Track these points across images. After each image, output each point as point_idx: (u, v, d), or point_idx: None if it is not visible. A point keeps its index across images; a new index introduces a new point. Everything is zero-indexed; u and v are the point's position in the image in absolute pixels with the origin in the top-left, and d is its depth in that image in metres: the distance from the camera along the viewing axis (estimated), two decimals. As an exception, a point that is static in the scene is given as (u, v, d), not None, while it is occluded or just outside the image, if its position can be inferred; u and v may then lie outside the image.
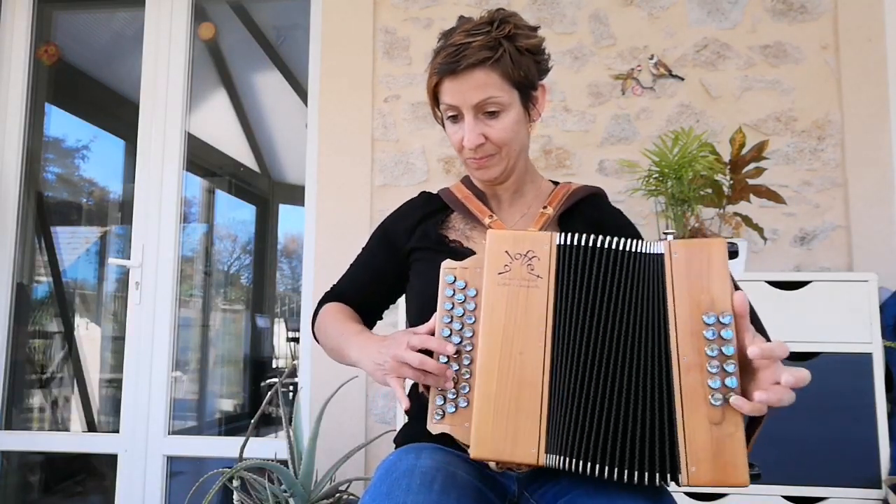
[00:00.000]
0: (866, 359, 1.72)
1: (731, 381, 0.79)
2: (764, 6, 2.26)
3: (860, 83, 2.16)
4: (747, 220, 1.90)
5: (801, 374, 0.78)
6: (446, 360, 0.90)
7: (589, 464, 0.82)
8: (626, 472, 0.80)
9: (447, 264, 0.94)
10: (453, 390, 0.90)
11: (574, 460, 0.82)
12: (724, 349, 0.80)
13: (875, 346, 1.73)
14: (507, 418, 0.84)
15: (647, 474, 0.80)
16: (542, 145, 2.31)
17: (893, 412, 1.80)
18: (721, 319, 0.80)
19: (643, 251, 0.87)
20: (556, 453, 0.83)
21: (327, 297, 1.28)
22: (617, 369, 0.84)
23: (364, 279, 1.27)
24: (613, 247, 0.88)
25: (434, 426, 0.90)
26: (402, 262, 1.21)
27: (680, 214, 1.88)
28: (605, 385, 0.83)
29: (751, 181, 1.90)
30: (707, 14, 2.29)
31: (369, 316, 1.28)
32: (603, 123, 2.30)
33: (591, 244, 0.89)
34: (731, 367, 0.79)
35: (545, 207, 1.14)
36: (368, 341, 1.05)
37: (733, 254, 0.85)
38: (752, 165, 1.91)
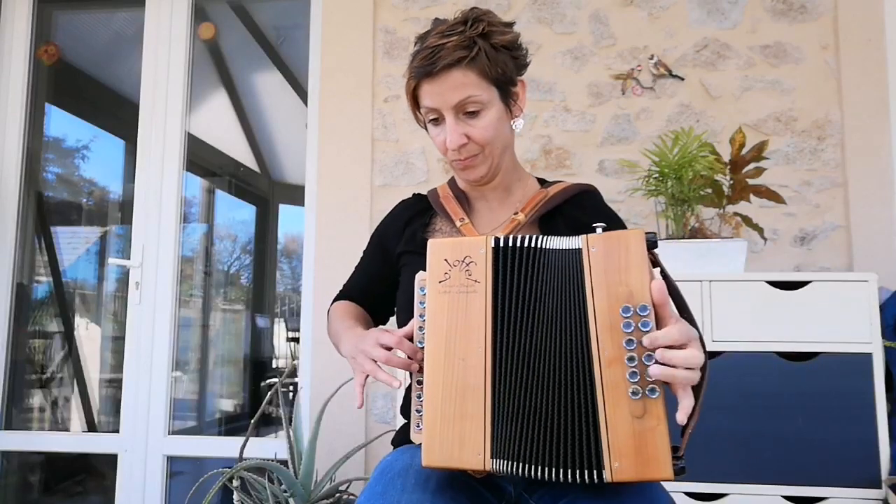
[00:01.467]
0: (866, 359, 1.72)
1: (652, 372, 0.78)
2: (764, 6, 2.26)
3: (860, 83, 2.16)
4: (747, 220, 1.90)
5: (686, 355, 0.77)
6: (421, 381, 0.91)
7: (530, 466, 0.81)
8: (561, 470, 0.79)
9: (421, 276, 0.94)
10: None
11: (517, 464, 0.81)
12: (641, 340, 0.79)
13: (875, 346, 1.73)
14: (452, 425, 0.84)
15: (577, 471, 0.79)
16: (542, 145, 2.31)
17: (893, 412, 1.80)
18: (638, 311, 0.80)
19: (562, 248, 0.86)
20: (501, 458, 0.82)
21: (338, 297, 1.31)
22: (545, 369, 0.83)
23: (364, 283, 1.29)
24: (538, 245, 0.88)
25: (416, 436, 0.91)
26: (395, 265, 1.22)
27: (680, 214, 1.88)
28: (537, 386, 0.83)
29: (751, 181, 1.90)
30: (707, 14, 2.29)
31: (377, 316, 1.30)
32: (603, 123, 2.30)
33: (519, 244, 0.88)
34: (648, 359, 0.78)
35: (516, 213, 1.13)
36: (349, 336, 1.08)
37: (653, 244, 0.84)
38: (752, 165, 1.91)
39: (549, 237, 0.88)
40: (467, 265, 0.89)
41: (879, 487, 1.68)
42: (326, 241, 2.35)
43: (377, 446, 2.19)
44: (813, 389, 1.72)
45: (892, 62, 2.16)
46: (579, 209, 1.15)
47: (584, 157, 2.30)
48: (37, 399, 2.82)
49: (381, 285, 1.25)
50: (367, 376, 0.98)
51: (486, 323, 0.86)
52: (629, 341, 0.79)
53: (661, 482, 0.84)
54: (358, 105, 2.41)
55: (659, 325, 0.80)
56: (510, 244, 0.89)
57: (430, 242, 0.92)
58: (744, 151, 1.92)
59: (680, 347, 0.78)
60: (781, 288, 1.78)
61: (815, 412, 1.72)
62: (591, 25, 2.35)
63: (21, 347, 2.71)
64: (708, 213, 1.97)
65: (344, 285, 1.32)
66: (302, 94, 2.62)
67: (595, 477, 0.78)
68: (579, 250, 0.85)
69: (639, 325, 0.79)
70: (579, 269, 0.84)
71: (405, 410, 1.15)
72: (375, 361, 0.96)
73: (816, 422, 1.71)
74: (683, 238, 1.87)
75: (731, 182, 1.92)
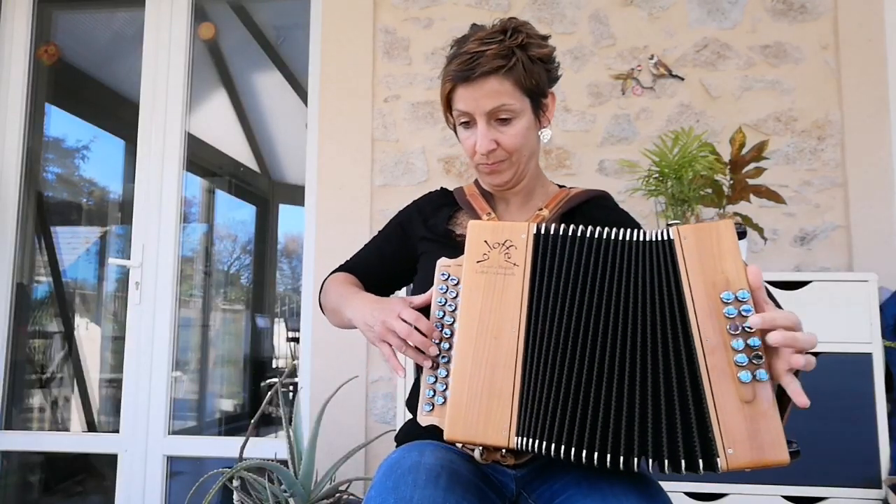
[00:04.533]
0: (866, 359, 1.72)
1: (758, 356, 0.78)
2: (764, 6, 2.26)
3: (860, 83, 2.16)
4: (747, 220, 1.90)
5: (807, 337, 0.77)
6: (438, 342, 0.93)
7: (563, 447, 0.81)
8: (613, 456, 0.79)
9: (442, 261, 0.97)
10: (442, 383, 0.91)
11: (547, 443, 0.82)
12: (745, 326, 0.79)
13: (875, 346, 1.73)
14: (479, 401, 0.85)
15: (675, 460, 0.77)
16: (543, 145, 2.31)
17: (893, 412, 1.80)
18: (738, 296, 0.80)
19: (646, 239, 0.89)
20: (527, 436, 0.83)
21: (337, 270, 1.32)
22: (605, 353, 0.84)
23: (373, 261, 1.30)
24: (604, 236, 0.90)
25: (423, 418, 0.91)
26: (413, 251, 1.24)
27: (680, 214, 1.88)
28: (589, 370, 0.83)
29: (751, 181, 1.90)
30: (707, 14, 2.29)
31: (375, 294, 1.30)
32: (603, 123, 2.30)
33: (570, 233, 0.91)
34: (754, 342, 0.78)
35: (541, 209, 1.16)
36: (363, 301, 1.08)
37: (741, 234, 0.86)
38: (752, 165, 1.91)
39: (603, 228, 0.90)
40: (507, 248, 0.91)
41: (879, 487, 1.68)
42: (326, 241, 2.35)
43: (377, 446, 2.19)
44: (813, 389, 1.71)
45: (892, 62, 2.16)
46: (599, 210, 1.20)
47: (584, 157, 2.30)
48: (37, 399, 2.82)
49: (392, 266, 1.27)
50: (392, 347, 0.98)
51: (522, 305, 0.88)
52: (733, 327, 0.79)
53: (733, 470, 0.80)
54: (358, 105, 2.41)
55: (757, 310, 0.80)
56: (552, 231, 0.92)
57: (470, 223, 0.95)
58: (744, 151, 1.91)
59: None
60: (781, 288, 1.78)
61: (814, 412, 1.71)
62: (590, 25, 2.35)
63: (21, 347, 2.71)
64: (708, 213, 1.97)
65: (347, 261, 1.33)
66: (302, 94, 2.62)
67: (702, 465, 0.76)
68: (671, 241, 0.86)
69: (741, 310, 0.80)
70: (669, 258, 0.86)
71: (412, 402, 1.15)
72: (397, 334, 0.95)
73: (816, 422, 1.71)
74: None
75: (731, 182, 1.92)
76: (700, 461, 0.76)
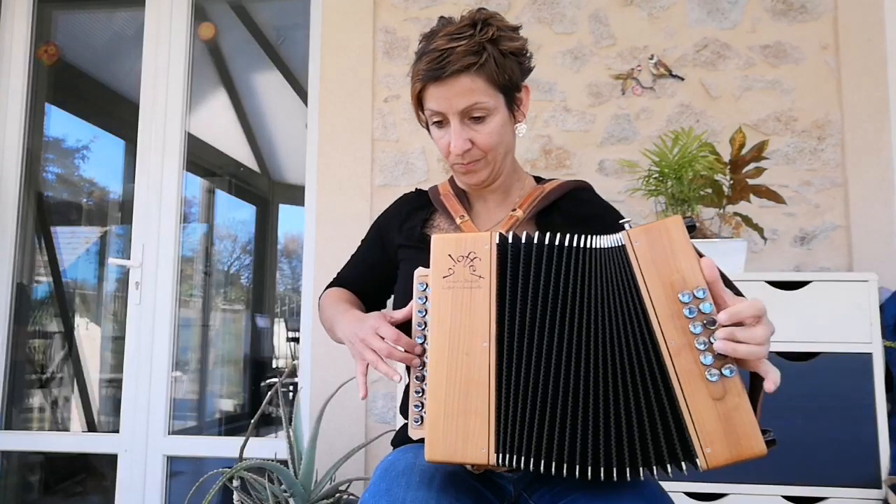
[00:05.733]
0: (866, 359, 1.72)
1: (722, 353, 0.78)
2: (764, 6, 2.26)
3: (860, 83, 2.16)
4: (747, 220, 1.90)
5: (746, 306, 0.78)
6: (420, 377, 0.92)
7: (542, 462, 0.81)
8: (595, 468, 0.79)
9: (419, 272, 0.95)
10: (425, 397, 0.90)
11: (526, 458, 0.82)
12: (706, 323, 0.79)
13: (875, 346, 1.73)
14: (456, 419, 0.84)
15: (650, 467, 0.78)
16: (543, 145, 2.31)
17: (893, 412, 1.80)
18: (696, 294, 0.80)
19: (601, 246, 0.87)
20: (506, 452, 0.82)
21: (332, 284, 1.32)
22: (579, 364, 0.83)
23: (360, 271, 1.30)
24: (564, 244, 0.88)
25: (414, 432, 0.91)
26: (393, 257, 1.22)
27: (680, 214, 1.88)
28: (565, 381, 0.82)
29: (751, 181, 1.90)
30: (707, 14, 2.29)
31: (370, 305, 1.30)
32: (603, 123, 2.30)
33: (535, 241, 0.88)
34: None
35: (514, 210, 1.13)
36: (349, 319, 1.07)
37: (692, 227, 0.84)
38: (752, 165, 1.91)
39: (565, 235, 0.88)
40: (471, 261, 0.89)
41: (879, 487, 1.68)
42: (326, 241, 2.35)
43: (377, 446, 2.19)
44: (813, 389, 1.72)
45: (892, 62, 2.16)
46: (576, 204, 1.16)
47: (584, 157, 2.30)
48: (37, 399, 2.82)
49: (377, 275, 1.26)
50: (368, 365, 0.98)
51: (491, 318, 0.86)
52: (695, 326, 0.79)
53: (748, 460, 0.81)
54: (358, 105, 2.41)
55: (716, 304, 0.80)
56: (514, 240, 0.89)
57: (433, 238, 0.92)
58: (744, 151, 1.91)
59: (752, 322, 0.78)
60: (781, 288, 1.78)
61: (815, 412, 1.72)
62: (591, 25, 2.35)
63: (21, 347, 2.71)
64: (708, 213, 1.97)
65: (338, 273, 1.33)
66: (302, 94, 2.62)
67: (682, 467, 0.78)
68: (623, 246, 0.85)
69: (700, 308, 0.80)
70: (624, 265, 0.84)
71: (404, 409, 1.15)
72: (376, 352, 0.96)
73: (816, 422, 1.71)
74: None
75: (731, 182, 1.92)
76: (683, 463, 0.78)
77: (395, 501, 0.84)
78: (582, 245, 0.87)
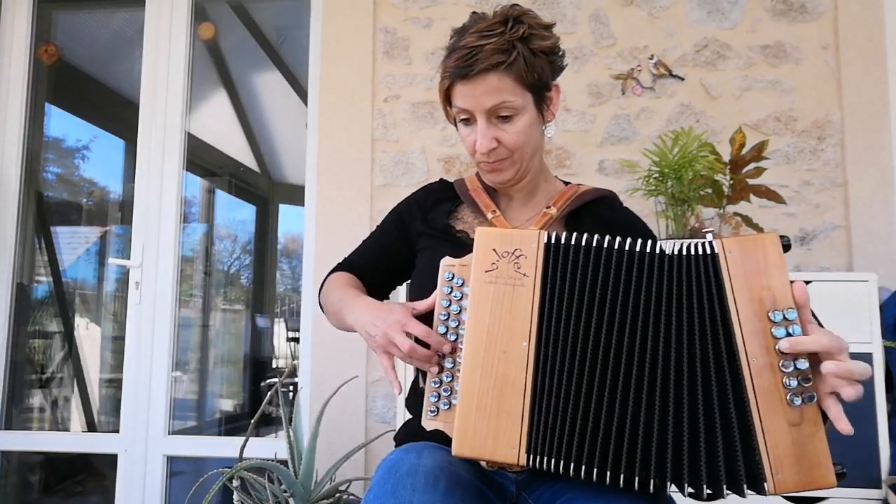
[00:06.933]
0: (866, 359, 1.72)
1: (807, 379, 0.76)
2: (764, 6, 2.26)
3: (860, 83, 2.16)
4: (747, 220, 1.90)
5: (859, 389, 0.76)
6: (441, 355, 0.90)
7: (578, 467, 0.80)
8: (633, 480, 0.77)
9: (447, 261, 0.93)
10: (447, 388, 0.90)
11: (557, 461, 0.81)
12: (780, 346, 0.76)
13: (875, 346, 1.73)
14: (488, 417, 0.83)
15: (714, 485, 0.76)
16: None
17: (893, 412, 1.80)
18: (787, 316, 0.78)
19: (689, 253, 0.84)
20: (538, 454, 0.81)
21: (337, 268, 1.28)
22: (631, 371, 0.81)
23: (373, 255, 1.27)
24: (621, 247, 0.86)
25: (428, 423, 0.90)
26: (412, 245, 1.20)
27: (680, 214, 1.88)
28: (612, 389, 0.81)
29: (751, 181, 1.90)
30: (707, 14, 2.29)
31: (376, 292, 1.27)
32: (603, 123, 2.30)
33: (583, 243, 0.87)
34: (803, 365, 0.76)
35: (548, 207, 1.13)
36: (366, 307, 1.04)
37: (787, 247, 0.82)
38: (752, 165, 1.91)
39: (601, 238, 0.87)
40: (517, 258, 0.87)
41: (879, 487, 1.68)
42: (326, 241, 2.35)
43: (377, 446, 2.19)
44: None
45: (892, 62, 2.16)
46: (607, 209, 1.16)
47: (584, 157, 2.30)
48: (37, 399, 2.82)
49: (390, 261, 1.24)
50: (394, 358, 0.96)
51: (533, 318, 0.85)
52: (784, 347, 0.76)
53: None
54: (358, 105, 2.41)
55: (803, 330, 0.78)
56: (564, 241, 0.87)
57: (478, 230, 0.90)
58: (744, 151, 1.92)
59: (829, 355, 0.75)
60: (781, 288, 1.78)
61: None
62: (591, 25, 2.35)
63: (21, 347, 2.71)
64: (708, 213, 1.97)
65: (346, 257, 1.29)
66: (302, 94, 2.62)
67: (743, 490, 0.75)
68: (716, 254, 0.82)
69: (789, 330, 0.77)
70: (713, 274, 0.81)
71: (411, 403, 1.14)
72: (399, 348, 0.93)
73: (816, 422, 1.71)
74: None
75: (731, 182, 1.92)
76: (745, 485, 0.75)
77: (400, 503, 0.84)
78: (647, 251, 0.85)
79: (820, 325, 0.85)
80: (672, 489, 0.81)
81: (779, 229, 2.15)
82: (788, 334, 0.77)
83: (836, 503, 1.69)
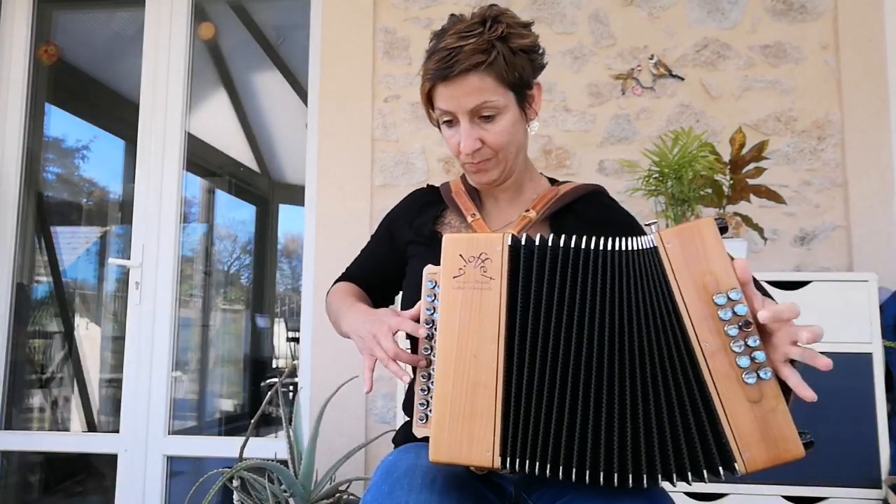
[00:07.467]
0: (866, 359, 1.72)
1: (759, 355, 0.77)
2: (764, 6, 2.26)
3: (860, 83, 2.16)
4: (747, 220, 1.90)
5: (816, 330, 0.76)
6: (426, 375, 0.91)
7: (550, 466, 0.80)
8: (612, 475, 0.78)
9: (429, 269, 0.94)
10: (430, 395, 0.90)
11: (532, 462, 0.81)
12: (742, 325, 0.78)
13: (875, 346, 1.73)
14: (462, 421, 0.83)
15: (685, 474, 0.77)
16: (543, 145, 2.31)
17: (893, 412, 1.80)
18: (730, 296, 0.79)
19: (627, 248, 0.85)
20: (512, 456, 0.81)
21: (339, 279, 1.31)
22: (601, 369, 0.81)
23: (369, 266, 1.29)
24: (581, 246, 0.86)
25: (418, 430, 0.90)
26: (402, 253, 1.21)
27: (680, 214, 1.88)
28: (585, 386, 0.81)
29: (751, 181, 1.90)
30: (707, 14, 2.29)
31: (378, 300, 1.29)
32: (603, 123, 2.30)
33: (549, 244, 0.87)
34: (754, 342, 0.77)
35: (527, 211, 1.12)
36: (358, 313, 1.07)
37: (723, 229, 0.83)
38: (752, 165, 1.91)
39: (584, 237, 0.87)
40: (483, 262, 0.88)
41: (879, 487, 1.68)
42: (326, 241, 2.35)
43: (377, 446, 2.19)
44: (813, 389, 1.72)
45: (892, 62, 2.16)
46: (592, 207, 1.15)
47: (584, 157, 2.30)
48: (37, 399, 2.82)
49: (386, 270, 1.25)
50: (376, 361, 0.97)
51: (501, 321, 0.85)
52: (731, 328, 0.78)
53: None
54: (358, 105, 2.41)
55: (749, 306, 0.79)
56: (527, 242, 0.88)
57: (445, 237, 0.91)
58: (744, 151, 1.92)
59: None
60: (781, 288, 1.78)
61: (815, 412, 1.71)
62: (590, 25, 2.35)
63: (21, 347, 2.71)
64: (708, 212, 1.96)
65: (347, 268, 1.32)
66: (302, 94, 2.62)
67: (719, 473, 0.76)
68: (655, 248, 0.83)
69: (735, 310, 0.78)
70: (657, 267, 0.83)
71: (407, 407, 1.15)
72: (385, 351, 0.95)
73: (816, 422, 1.71)
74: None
75: (731, 182, 1.92)
76: (720, 468, 0.76)
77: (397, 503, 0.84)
78: (607, 248, 0.86)
79: (768, 296, 0.86)
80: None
81: (779, 229, 2.15)
82: (734, 314, 0.78)
83: (836, 503, 1.69)
